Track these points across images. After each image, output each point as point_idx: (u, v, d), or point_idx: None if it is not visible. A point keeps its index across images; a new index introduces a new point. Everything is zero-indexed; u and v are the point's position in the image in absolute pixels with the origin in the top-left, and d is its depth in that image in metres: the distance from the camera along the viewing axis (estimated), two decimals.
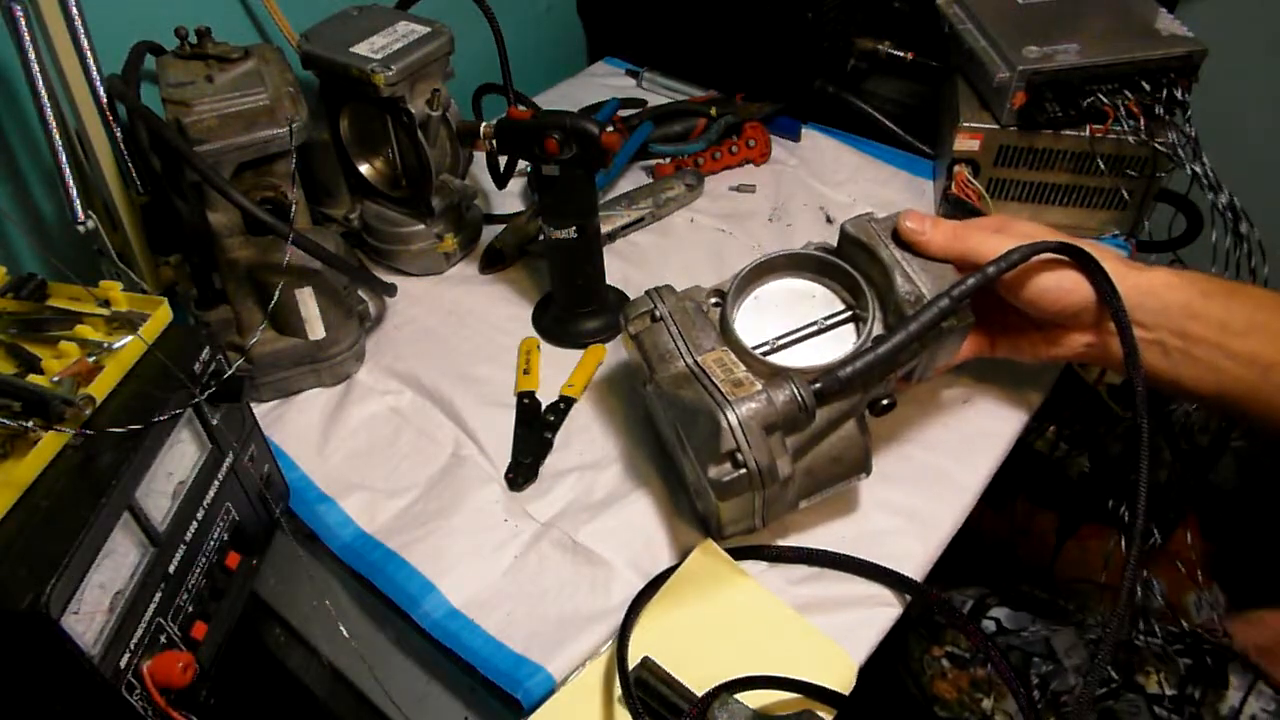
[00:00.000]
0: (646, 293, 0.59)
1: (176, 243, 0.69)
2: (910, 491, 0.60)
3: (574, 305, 0.73)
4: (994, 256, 0.53)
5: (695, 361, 0.54)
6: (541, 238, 0.73)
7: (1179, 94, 0.72)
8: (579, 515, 0.60)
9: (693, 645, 0.52)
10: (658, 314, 0.58)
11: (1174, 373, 0.54)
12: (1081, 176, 0.77)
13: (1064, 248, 0.54)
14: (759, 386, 0.51)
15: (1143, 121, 0.72)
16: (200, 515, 0.50)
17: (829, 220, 0.85)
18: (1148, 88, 0.72)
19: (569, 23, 1.15)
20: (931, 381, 0.63)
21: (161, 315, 0.50)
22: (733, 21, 0.94)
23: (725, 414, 0.50)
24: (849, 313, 0.58)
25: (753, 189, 0.90)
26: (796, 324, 0.58)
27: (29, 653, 0.40)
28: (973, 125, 0.77)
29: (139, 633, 0.44)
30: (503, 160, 0.78)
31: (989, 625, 0.84)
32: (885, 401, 0.54)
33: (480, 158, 0.79)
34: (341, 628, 0.54)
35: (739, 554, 0.56)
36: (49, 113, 0.60)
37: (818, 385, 0.51)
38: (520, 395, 0.68)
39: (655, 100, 0.99)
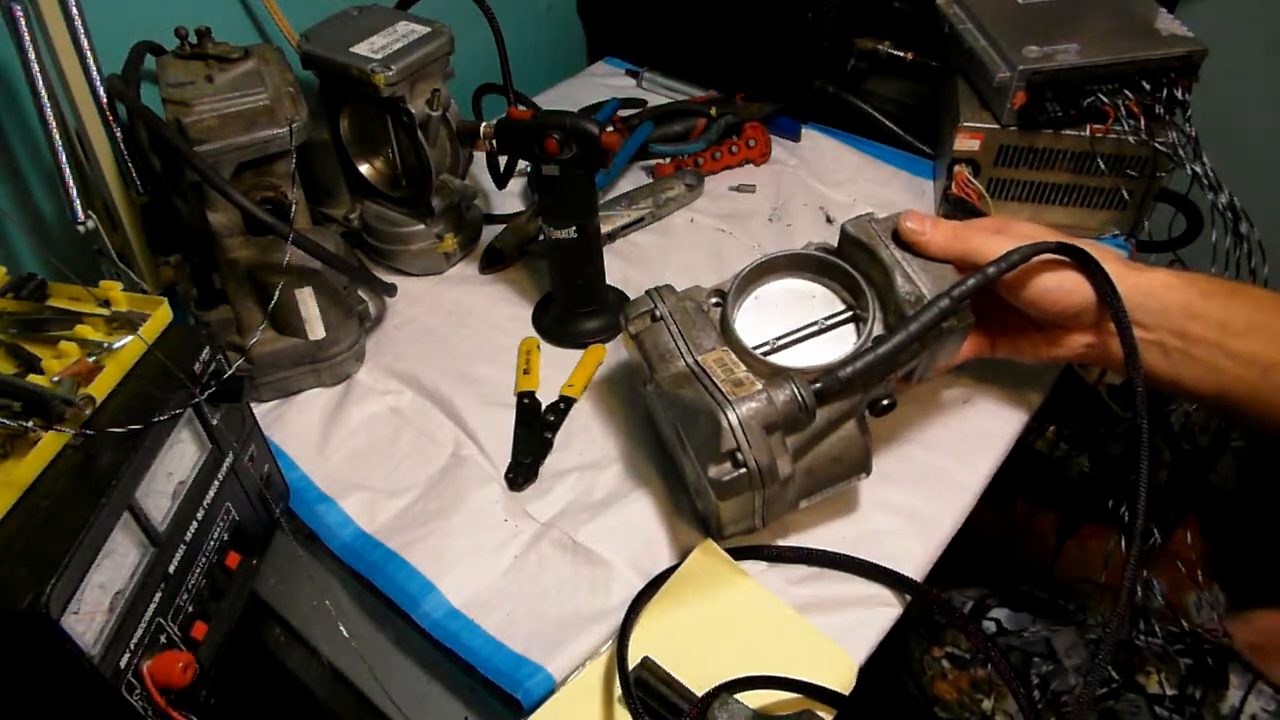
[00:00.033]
0: (647, 292, 0.59)
1: (176, 243, 0.69)
2: (910, 491, 0.60)
3: (574, 305, 0.73)
4: (994, 257, 0.53)
5: (695, 361, 0.54)
6: (541, 238, 0.73)
7: (1179, 94, 0.72)
8: (579, 515, 0.60)
9: (693, 645, 0.52)
10: (658, 314, 0.58)
11: (1174, 373, 0.54)
12: (1082, 176, 0.77)
13: (1064, 248, 0.54)
14: (759, 386, 0.51)
15: (1143, 121, 0.72)
16: (200, 515, 0.50)
17: (829, 220, 0.85)
18: (1148, 87, 0.72)
19: (569, 23, 1.15)
20: (931, 382, 0.63)
21: (161, 315, 0.50)
22: (733, 21, 0.94)
23: (725, 413, 0.50)
24: (849, 313, 0.58)
25: (753, 189, 0.89)
26: (797, 324, 0.58)
27: (29, 653, 0.40)
28: (973, 125, 0.77)
29: (139, 633, 0.44)
30: (503, 160, 0.78)
31: (989, 626, 0.84)
32: (885, 402, 0.54)
33: (480, 158, 0.79)
34: (341, 628, 0.54)
35: (739, 554, 0.56)
36: (49, 113, 0.60)
37: (818, 385, 0.51)
38: (520, 395, 0.68)
39: (655, 100, 0.99)
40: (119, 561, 0.43)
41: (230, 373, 0.52)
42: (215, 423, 0.51)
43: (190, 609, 0.49)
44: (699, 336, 0.56)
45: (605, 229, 0.80)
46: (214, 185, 0.58)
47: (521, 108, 0.69)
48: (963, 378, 0.67)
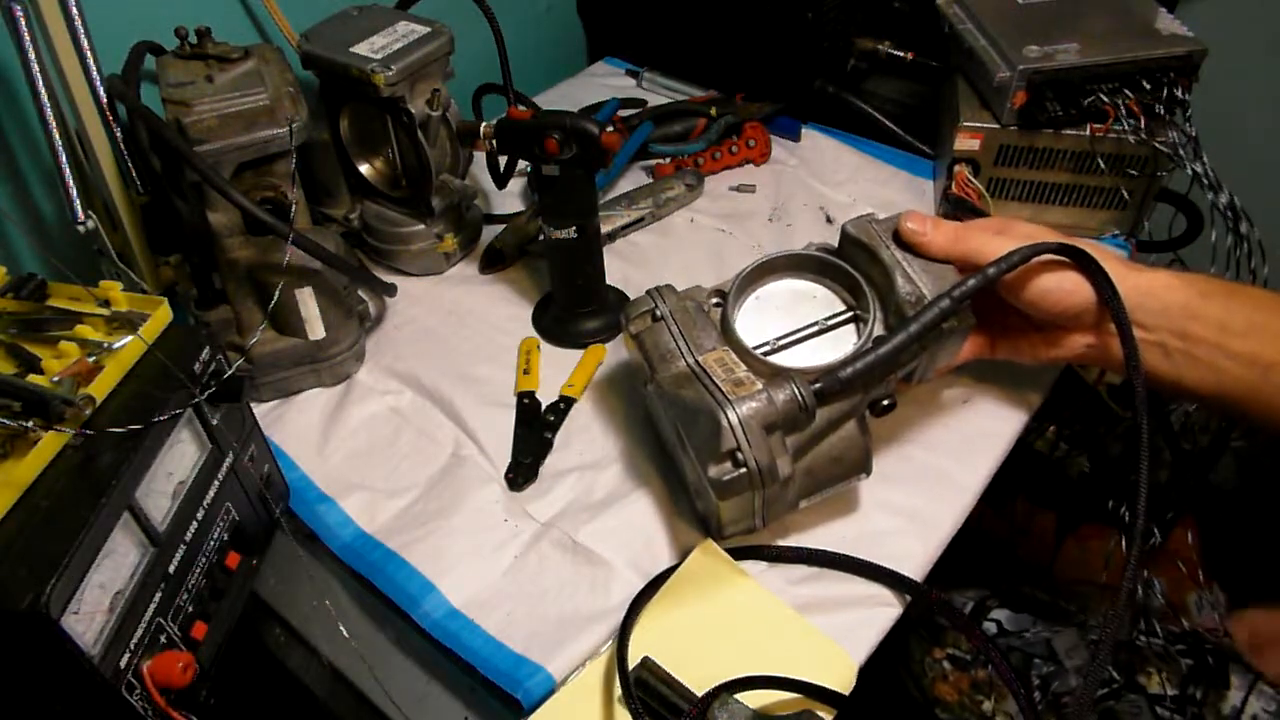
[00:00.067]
0: (648, 292, 0.59)
1: (176, 243, 0.69)
2: (910, 492, 0.60)
3: (574, 305, 0.73)
4: (995, 258, 0.53)
5: (696, 361, 0.54)
6: (541, 238, 0.73)
7: (1179, 93, 0.72)
8: (579, 515, 0.60)
9: (693, 645, 0.52)
10: (659, 313, 0.58)
11: (1175, 373, 0.54)
12: (1082, 176, 0.77)
13: (1065, 249, 0.54)
14: (760, 386, 0.51)
15: (1143, 121, 0.72)
16: (200, 515, 0.50)
17: (829, 220, 0.85)
18: (1148, 87, 0.72)
19: (569, 23, 1.15)
20: (931, 382, 0.63)
21: (161, 315, 0.50)
22: (733, 21, 0.94)
23: (726, 413, 0.50)
24: (850, 313, 0.58)
25: (753, 189, 0.89)
26: (797, 324, 0.58)
27: (29, 653, 0.40)
28: (973, 125, 0.77)
29: (139, 633, 0.44)
30: (503, 160, 0.78)
31: (990, 627, 0.84)
32: (886, 402, 0.54)
33: (480, 158, 0.79)
34: (341, 628, 0.54)
35: (739, 554, 0.56)
36: (49, 113, 0.60)
37: (818, 385, 0.51)
38: (520, 395, 0.68)
39: (655, 100, 0.99)
40: (119, 561, 0.43)
41: (230, 373, 0.52)
42: (215, 423, 0.51)
43: (190, 609, 0.49)
44: (699, 336, 0.56)
45: (605, 229, 0.80)
46: (214, 185, 0.58)
47: (521, 108, 0.69)
48: (963, 378, 0.67)
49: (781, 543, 0.57)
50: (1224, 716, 0.75)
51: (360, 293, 0.72)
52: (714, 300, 0.59)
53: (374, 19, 0.74)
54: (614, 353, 0.72)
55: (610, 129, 0.63)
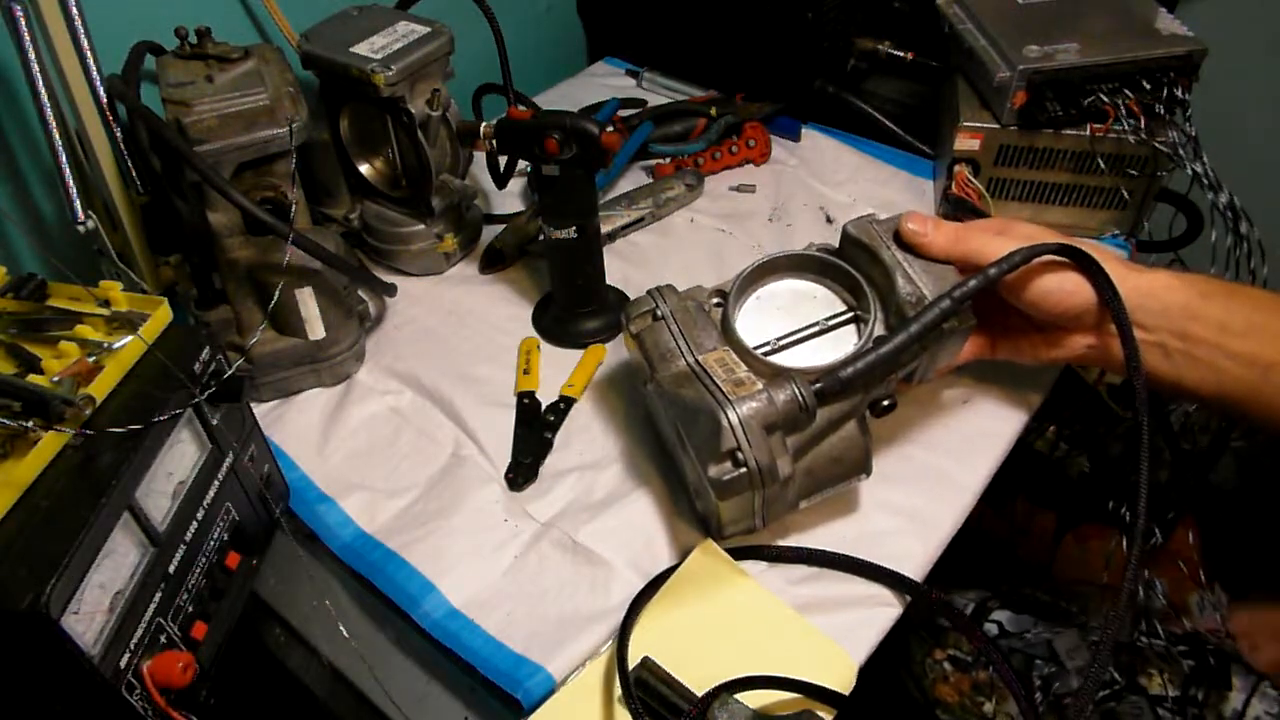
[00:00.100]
0: (648, 292, 0.59)
1: (176, 243, 0.68)
2: (910, 492, 0.60)
3: (574, 305, 0.73)
4: (995, 258, 0.53)
5: (696, 361, 0.54)
6: (541, 238, 0.73)
7: (1179, 93, 0.72)
8: (579, 515, 0.60)
9: (693, 645, 0.52)
10: (659, 313, 0.58)
11: (1175, 374, 0.54)
12: (1082, 176, 0.77)
13: (1065, 249, 0.54)
14: (760, 386, 0.51)
15: (1143, 121, 0.72)
16: (200, 515, 0.50)
17: (829, 220, 0.85)
18: (1148, 87, 0.72)
19: (569, 23, 1.15)
20: (932, 382, 0.63)
21: (161, 315, 0.50)
22: (733, 21, 0.94)
23: (726, 413, 0.50)
24: (850, 314, 0.58)
25: (753, 189, 0.89)
26: (798, 324, 0.57)
27: (29, 653, 0.40)
28: (973, 125, 0.77)
29: (139, 633, 0.44)
30: (503, 160, 0.78)
31: (991, 628, 0.84)
32: (886, 402, 0.54)
33: (480, 158, 0.79)
34: (341, 628, 0.54)
35: (739, 554, 0.56)
36: (49, 113, 0.60)
37: (819, 385, 0.51)
38: (520, 395, 0.68)
39: (655, 100, 0.99)
40: (119, 561, 0.43)
41: (230, 373, 0.52)
42: (215, 423, 0.51)
43: (190, 609, 0.49)
44: (700, 336, 0.56)
45: (605, 229, 0.80)
46: (214, 185, 0.58)
47: (521, 108, 0.69)
48: (963, 378, 0.67)
49: (781, 543, 0.57)
50: (1225, 718, 0.75)
51: (360, 293, 0.72)
52: (714, 300, 0.59)
53: (374, 19, 0.74)
54: (614, 353, 0.72)
55: (610, 129, 0.63)
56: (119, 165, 0.65)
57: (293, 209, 0.63)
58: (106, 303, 0.50)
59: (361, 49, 0.70)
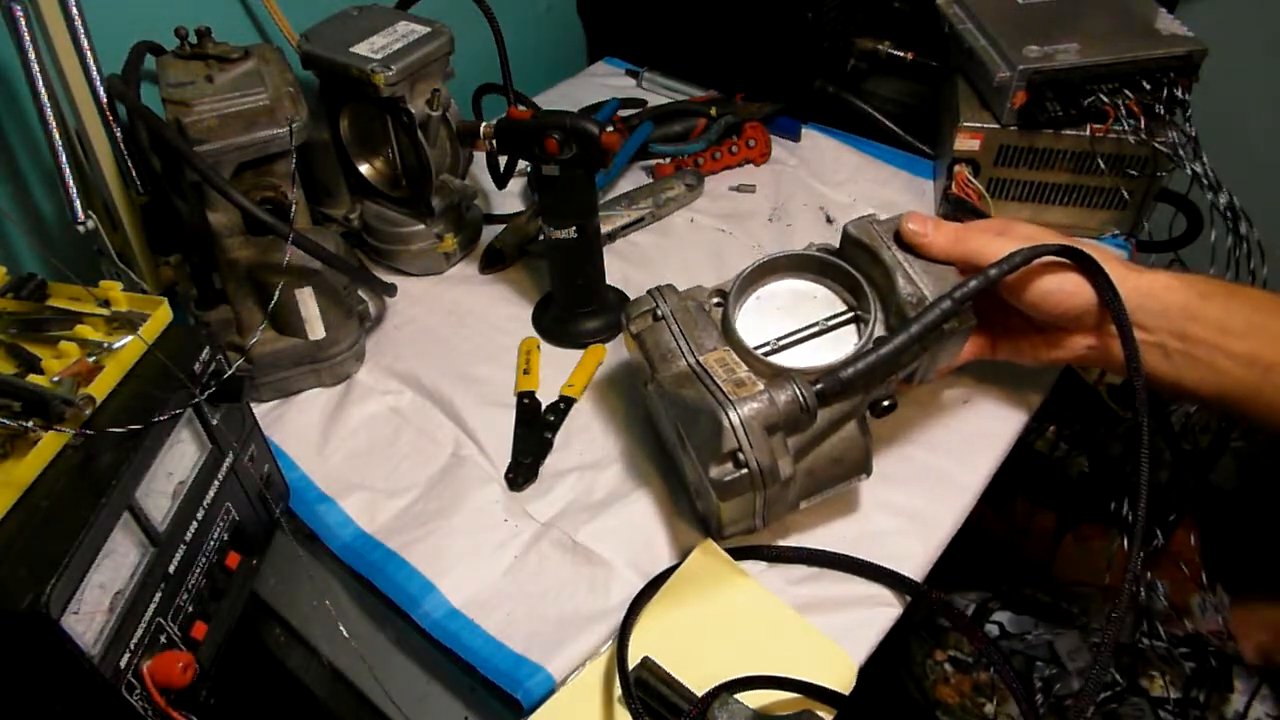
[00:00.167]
0: (649, 292, 0.59)
1: (176, 243, 0.68)
2: (910, 492, 0.60)
3: (574, 305, 0.73)
4: (996, 259, 0.53)
5: (697, 361, 0.54)
6: (541, 238, 0.73)
7: (1179, 94, 0.72)
8: (579, 515, 0.60)
9: (693, 645, 0.52)
10: (660, 313, 0.58)
11: (1175, 374, 0.54)
12: (1082, 176, 0.77)
13: (1066, 250, 0.54)
14: (761, 387, 0.51)
15: (1143, 121, 0.72)
16: (200, 515, 0.50)
17: (829, 220, 0.85)
18: (1148, 87, 0.72)
19: (569, 23, 1.15)
20: (932, 382, 0.63)
21: (161, 315, 0.50)
22: (733, 21, 0.94)
23: (727, 414, 0.50)
24: (851, 314, 0.58)
25: (753, 189, 0.89)
26: (798, 324, 0.57)
27: (29, 653, 0.40)
28: (973, 125, 0.77)
29: (139, 633, 0.44)
30: (503, 160, 0.78)
31: (992, 629, 0.84)
32: (886, 403, 0.54)
33: (480, 158, 0.79)
34: (341, 628, 0.54)
35: (739, 554, 0.56)
36: (49, 113, 0.60)
37: (820, 386, 0.51)
38: (520, 395, 0.68)
39: (655, 100, 0.99)
40: (119, 561, 0.43)
41: (230, 373, 0.52)
42: (215, 423, 0.51)
43: (190, 609, 0.49)
44: (700, 336, 0.56)
45: (605, 229, 0.80)
46: (214, 185, 0.58)
47: (521, 108, 0.69)
48: (963, 378, 0.67)
49: (782, 543, 0.57)
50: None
51: (360, 293, 0.72)
52: (715, 300, 0.59)
53: (374, 19, 0.74)
54: (614, 353, 0.72)
55: (610, 129, 0.63)
56: (119, 165, 0.65)
57: (293, 209, 0.63)
58: (106, 303, 0.50)
59: (361, 49, 0.70)
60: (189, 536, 0.49)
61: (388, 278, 0.74)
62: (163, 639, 0.46)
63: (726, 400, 0.50)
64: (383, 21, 0.73)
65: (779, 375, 0.52)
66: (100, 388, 0.45)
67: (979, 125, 0.77)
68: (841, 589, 0.55)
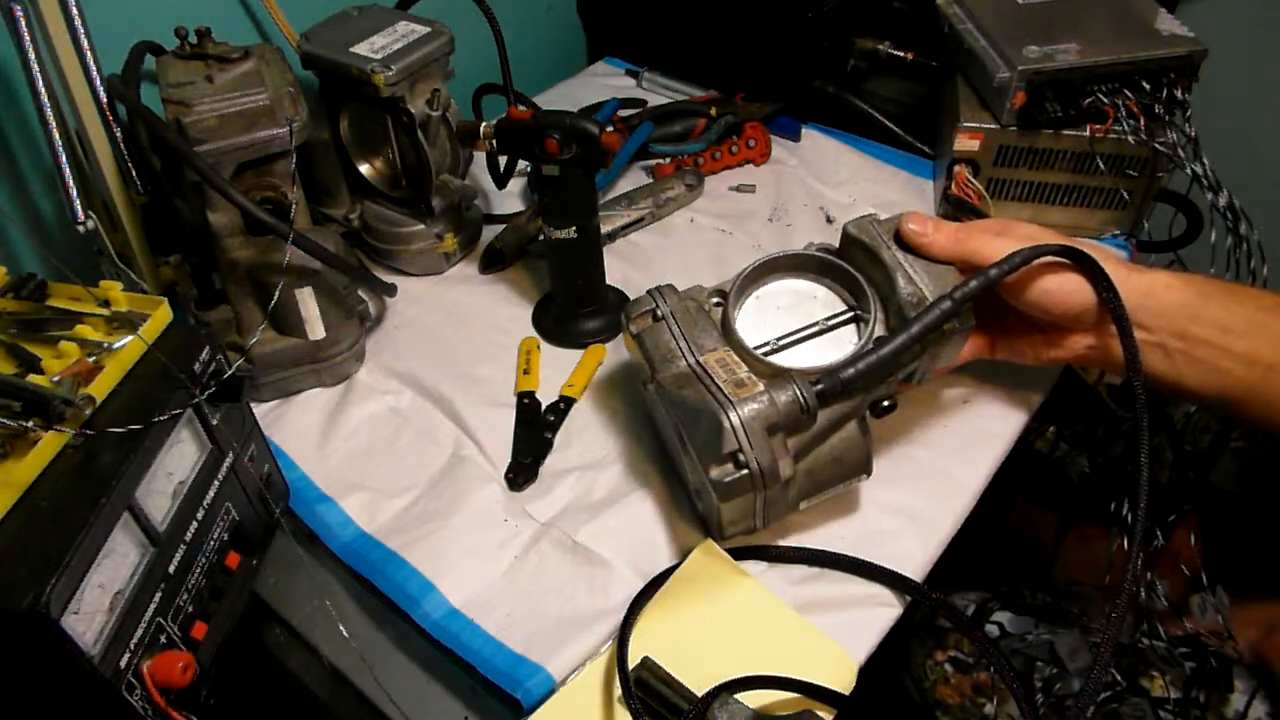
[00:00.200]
0: (648, 292, 0.59)
1: (176, 243, 0.69)
2: (910, 492, 0.60)
3: (574, 305, 0.73)
4: (996, 259, 0.53)
5: (697, 361, 0.54)
6: (541, 238, 0.73)
7: (1179, 94, 0.72)
8: (579, 515, 0.60)
9: (693, 645, 0.52)
10: (659, 313, 0.58)
11: (1175, 374, 0.54)
12: (1081, 176, 0.77)
13: (1066, 250, 0.54)
14: (761, 387, 0.51)
15: (1143, 121, 0.72)
16: (200, 515, 0.50)
17: (829, 220, 0.85)
18: (1148, 88, 0.72)
19: (569, 23, 1.15)
20: (932, 382, 0.63)
21: (161, 315, 0.50)
22: (733, 21, 0.94)
23: (728, 414, 0.50)
24: (851, 313, 0.58)
25: (753, 189, 0.89)
26: (798, 324, 0.57)
27: (29, 653, 0.40)
28: (973, 125, 0.77)
29: (139, 633, 0.44)
30: (503, 160, 0.78)
31: (992, 630, 0.84)
32: (886, 403, 0.54)
33: (480, 158, 0.79)
34: (341, 628, 0.54)
35: (739, 554, 0.56)
36: (49, 113, 0.60)
37: (820, 386, 0.51)
38: (520, 395, 0.68)
39: (655, 100, 0.99)
40: (119, 561, 0.43)
41: (230, 373, 0.52)
42: (215, 423, 0.51)
43: (190, 609, 0.49)
44: (700, 336, 0.56)
45: (605, 229, 0.80)
46: (214, 185, 0.58)
47: (521, 108, 0.70)
48: (963, 378, 0.67)
49: (782, 543, 0.57)
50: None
51: (360, 293, 0.72)
52: (715, 300, 0.59)
53: (374, 19, 0.74)
54: (614, 353, 0.72)
55: (610, 129, 0.63)
56: (119, 165, 0.65)
57: (293, 209, 0.63)
58: (106, 303, 0.50)
59: (361, 49, 0.70)
60: (189, 536, 0.49)
61: (388, 278, 0.74)
62: (163, 639, 0.46)
63: (727, 401, 0.50)
64: (383, 21, 0.73)
65: (779, 375, 0.52)
66: (100, 388, 0.45)
67: (979, 125, 0.77)
68: (841, 589, 0.55)
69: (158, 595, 0.46)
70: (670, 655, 0.49)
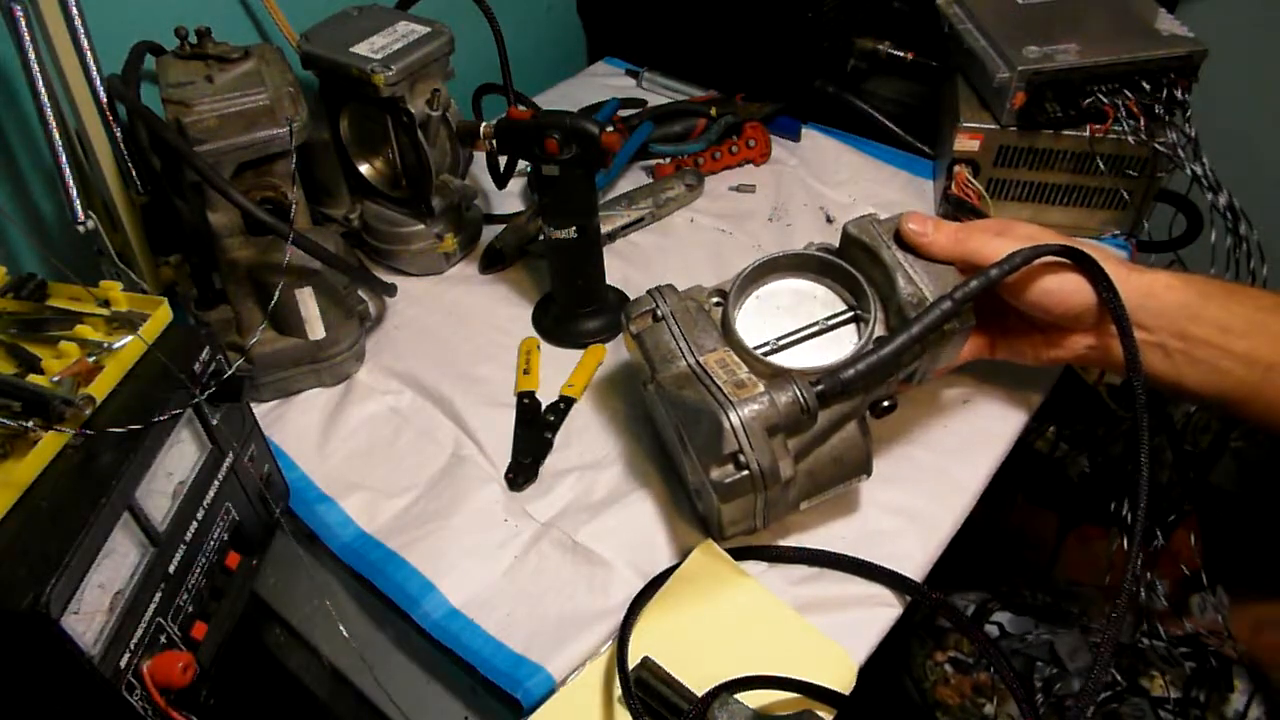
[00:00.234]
0: (648, 292, 0.59)
1: (176, 243, 0.69)
2: (910, 492, 0.60)
3: (574, 305, 0.73)
4: (996, 259, 0.53)
5: (697, 362, 0.54)
6: (541, 238, 0.73)
7: (1179, 94, 0.72)
8: (579, 515, 0.60)
9: (693, 645, 0.52)
10: (659, 313, 0.58)
11: (1175, 374, 0.54)
12: (1081, 176, 0.77)
13: (1066, 250, 0.54)
14: (761, 388, 0.51)
15: (1143, 121, 0.72)
16: (200, 515, 0.50)
17: (829, 220, 0.85)
18: (1148, 88, 0.72)
19: (569, 23, 1.15)
20: (932, 382, 0.63)
21: (161, 315, 0.50)
22: (733, 21, 0.94)
23: (728, 415, 0.50)
24: (851, 313, 0.58)
25: (753, 189, 0.89)
26: (798, 324, 0.57)
27: (29, 653, 0.40)
28: (973, 125, 0.77)
29: (139, 633, 0.44)
30: (503, 160, 0.78)
31: (992, 630, 0.84)
32: (886, 403, 0.54)
33: (480, 158, 0.79)
34: (341, 628, 0.54)
35: (739, 554, 0.56)
36: (49, 113, 0.60)
37: (821, 387, 0.51)
38: (520, 395, 0.68)
39: (655, 100, 0.99)
40: (119, 561, 0.43)
41: (230, 373, 0.52)
42: (215, 423, 0.51)
43: (190, 609, 0.49)
44: (700, 337, 0.56)
45: (605, 229, 0.80)
46: (214, 185, 0.58)
47: (521, 108, 0.70)
48: (963, 378, 0.67)
49: (782, 543, 0.57)
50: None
51: (360, 293, 0.72)
52: (714, 300, 0.59)
53: (374, 19, 0.74)
54: (614, 353, 0.72)
55: (610, 129, 0.63)
56: (119, 165, 0.65)
57: (293, 209, 0.63)
58: (106, 303, 0.50)
59: (361, 49, 0.70)
60: (189, 536, 0.49)
61: (388, 278, 0.74)
62: (163, 639, 0.46)
63: (727, 402, 0.50)
64: (383, 21, 0.73)
65: (779, 376, 0.52)
66: (100, 388, 0.45)
67: (979, 126, 0.77)
68: (841, 589, 0.55)
69: (158, 595, 0.46)
70: (670, 655, 0.49)
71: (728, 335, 0.56)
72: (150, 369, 0.48)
